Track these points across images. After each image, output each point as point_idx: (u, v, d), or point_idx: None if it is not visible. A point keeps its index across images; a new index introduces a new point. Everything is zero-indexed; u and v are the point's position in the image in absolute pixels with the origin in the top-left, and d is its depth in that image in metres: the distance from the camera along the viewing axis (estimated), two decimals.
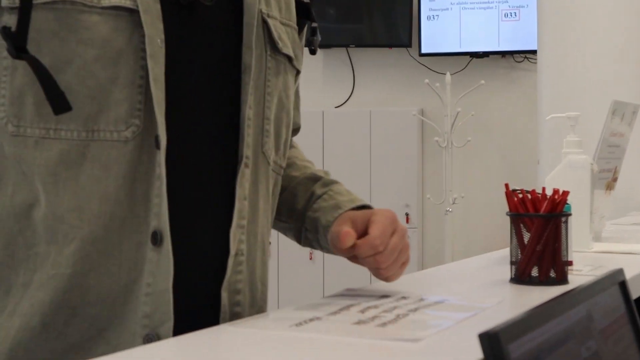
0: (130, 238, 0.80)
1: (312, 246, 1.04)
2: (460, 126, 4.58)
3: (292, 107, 0.99)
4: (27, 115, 0.79)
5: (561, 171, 1.59)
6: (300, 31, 1.00)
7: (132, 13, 0.79)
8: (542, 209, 1.11)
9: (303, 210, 1.00)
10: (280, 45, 0.93)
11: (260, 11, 0.90)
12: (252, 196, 0.87)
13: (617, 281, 0.82)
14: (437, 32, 5.28)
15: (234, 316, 0.85)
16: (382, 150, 5.18)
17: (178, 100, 0.82)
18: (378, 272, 0.93)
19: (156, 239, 0.78)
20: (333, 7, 5.44)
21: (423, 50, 5.20)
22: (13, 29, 0.76)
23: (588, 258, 1.46)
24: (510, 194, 1.16)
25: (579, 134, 1.64)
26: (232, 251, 0.84)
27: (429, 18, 5.28)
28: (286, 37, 0.94)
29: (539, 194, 1.15)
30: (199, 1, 0.85)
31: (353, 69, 5.50)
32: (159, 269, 0.79)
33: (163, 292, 0.77)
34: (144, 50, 0.79)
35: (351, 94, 5.51)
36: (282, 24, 0.95)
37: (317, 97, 5.28)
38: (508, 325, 0.55)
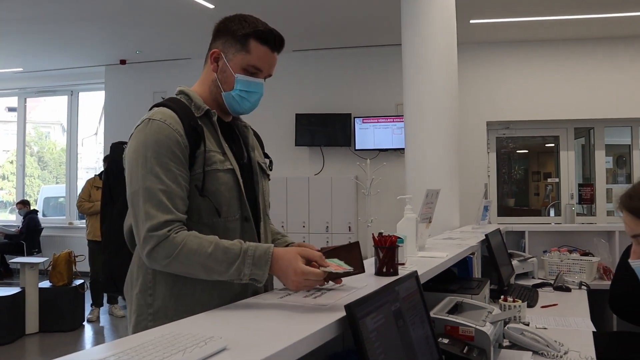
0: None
1: None
2: (374, 185, 6.30)
3: (268, 193, 1.71)
4: (202, 213, 1.46)
5: (404, 221, 2.05)
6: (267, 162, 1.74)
7: (233, 170, 1.52)
8: (387, 244, 1.59)
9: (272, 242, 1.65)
10: (266, 171, 1.70)
11: (257, 161, 1.66)
12: (265, 229, 1.63)
13: (414, 275, 1.36)
14: (363, 138, 7.37)
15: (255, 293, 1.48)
16: (339, 195, 7.02)
17: (247, 200, 1.54)
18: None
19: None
20: (315, 125, 7.49)
21: (356, 147, 7.29)
22: (199, 185, 1.44)
23: (415, 260, 1.97)
24: (373, 236, 1.61)
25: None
26: None
27: (359, 131, 7.39)
28: (265, 166, 1.70)
29: (389, 236, 1.58)
30: (246, 163, 1.61)
31: (323, 156, 7.55)
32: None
33: None
34: (238, 183, 1.52)
35: (322, 168, 7.57)
36: (263, 162, 1.71)
37: (306, 170, 7.44)
38: (357, 300, 0.92)
